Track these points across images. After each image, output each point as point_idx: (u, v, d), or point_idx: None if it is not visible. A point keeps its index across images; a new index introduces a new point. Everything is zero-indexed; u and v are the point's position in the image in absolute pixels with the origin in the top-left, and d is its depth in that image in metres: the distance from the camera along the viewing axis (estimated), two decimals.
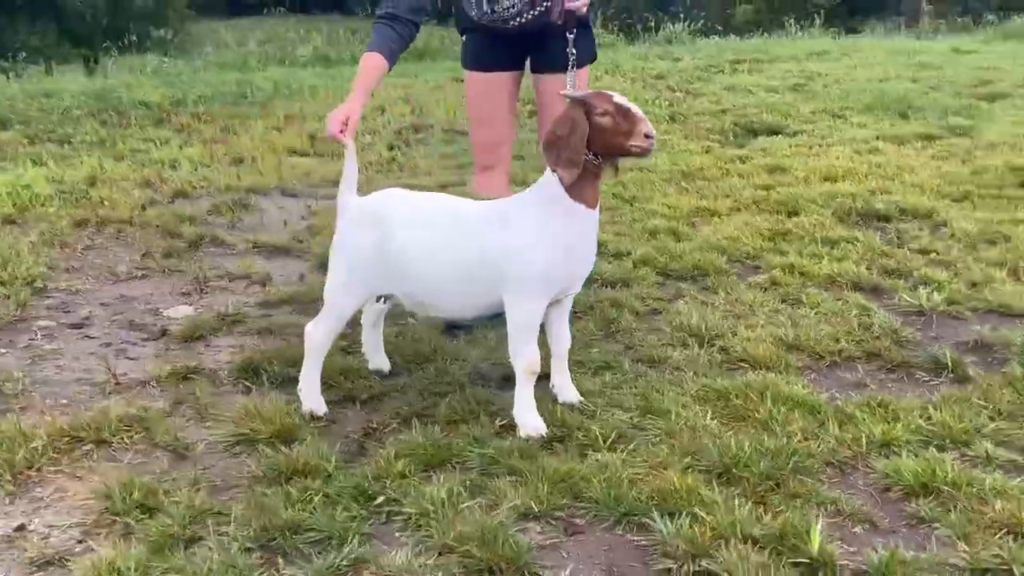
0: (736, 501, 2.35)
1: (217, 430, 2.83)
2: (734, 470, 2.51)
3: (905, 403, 2.90)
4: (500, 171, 3.72)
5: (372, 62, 3.15)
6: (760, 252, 4.46)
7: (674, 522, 2.27)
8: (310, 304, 3.80)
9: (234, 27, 19.85)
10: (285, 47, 14.69)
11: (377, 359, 3.25)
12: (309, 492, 2.43)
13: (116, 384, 3.17)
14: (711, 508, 2.31)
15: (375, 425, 2.87)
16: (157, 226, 5.05)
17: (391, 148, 7.10)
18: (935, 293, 3.81)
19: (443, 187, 5.35)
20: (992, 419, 2.82)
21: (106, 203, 5.41)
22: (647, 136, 2.64)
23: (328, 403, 2.96)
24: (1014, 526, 2.25)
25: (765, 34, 15.93)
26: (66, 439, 2.75)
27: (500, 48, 3.53)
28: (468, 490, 2.45)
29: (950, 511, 2.34)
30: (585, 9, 3.37)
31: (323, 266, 3.78)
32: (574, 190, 2.71)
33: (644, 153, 2.68)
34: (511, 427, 2.80)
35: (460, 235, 2.79)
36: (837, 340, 3.40)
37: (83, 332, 3.69)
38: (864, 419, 2.80)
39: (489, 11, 3.33)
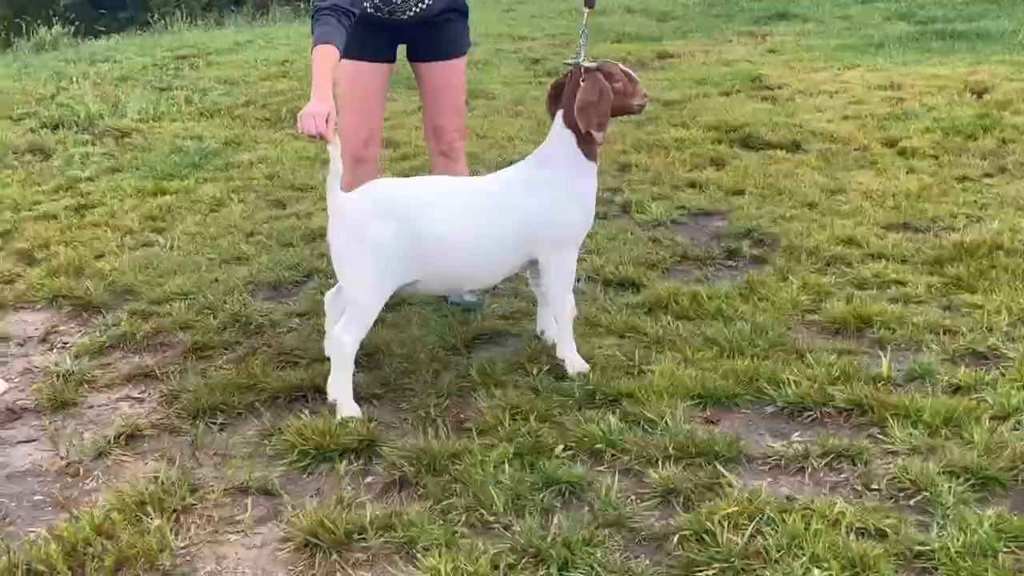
0: None
1: None
2: None
3: None
4: (372, 165, 3.62)
5: (328, 55, 2.94)
6: None
7: None
8: None
9: None
10: None
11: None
12: None
13: None
14: None
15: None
16: None
17: None
18: None
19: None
20: None
21: None
22: (644, 96, 3.03)
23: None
24: None
25: None
26: None
27: (376, 38, 3.42)
28: None
29: None
30: None
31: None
32: (588, 150, 2.98)
33: (642, 110, 3.06)
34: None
35: (488, 208, 2.95)
36: None
37: None
38: None
39: (383, 4, 3.31)
